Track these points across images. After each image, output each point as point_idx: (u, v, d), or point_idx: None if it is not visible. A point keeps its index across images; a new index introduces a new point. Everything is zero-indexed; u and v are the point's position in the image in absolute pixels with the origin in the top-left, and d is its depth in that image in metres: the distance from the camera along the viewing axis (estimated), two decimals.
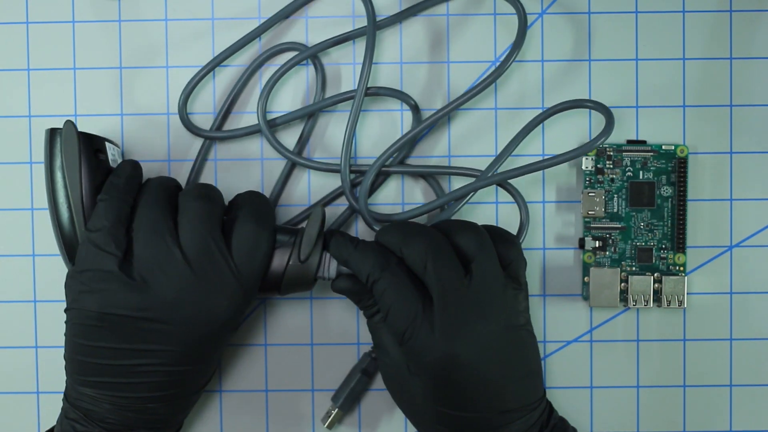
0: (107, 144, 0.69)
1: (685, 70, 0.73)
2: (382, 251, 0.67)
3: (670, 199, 0.72)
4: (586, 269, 0.73)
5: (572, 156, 0.68)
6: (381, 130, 0.73)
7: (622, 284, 0.72)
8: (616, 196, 0.72)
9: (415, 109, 0.72)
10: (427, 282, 0.65)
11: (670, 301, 0.72)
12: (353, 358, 0.74)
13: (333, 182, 0.73)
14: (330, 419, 0.72)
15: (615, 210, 0.72)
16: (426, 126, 0.71)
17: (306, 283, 0.68)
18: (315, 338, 0.74)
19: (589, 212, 0.72)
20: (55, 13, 0.73)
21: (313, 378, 0.74)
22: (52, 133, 0.67)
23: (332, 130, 0.73)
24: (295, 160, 0.72)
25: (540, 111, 0.72)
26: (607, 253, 0.72)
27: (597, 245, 0.72)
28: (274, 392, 0.74)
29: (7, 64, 0.73)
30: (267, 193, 0.73)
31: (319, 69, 0.73)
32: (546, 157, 0.70)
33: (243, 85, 0.73)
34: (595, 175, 0.72)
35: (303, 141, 0.73)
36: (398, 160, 0.72)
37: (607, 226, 0.72)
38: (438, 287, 0.65)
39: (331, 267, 0.69)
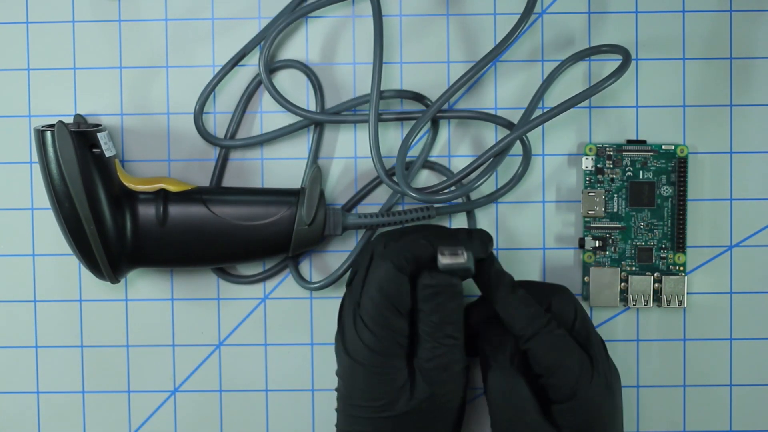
0: (99, 135, 0.69)
1: (685, 69, 0.73)
2: (533, 302, 0.67)
3: (670, 199, 0.72)
4: (586, 269, 0.73)
5: (587, 95, 0.69)
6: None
7: (622, 284, 0.72)
8: (616, 195, 0.72)
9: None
10: (580, 336, 0.67)
11: (670, 301, 0.72)
12: None
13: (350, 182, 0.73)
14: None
15: (615, 210, 0.72)
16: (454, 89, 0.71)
17: (314, 242, 0.70)
18: (314, 338, 0.74)
19: (589, 212, 0.72)
20: (55, 13, 0.73)
21: (313, 378, 0.74)
22: (41, 134, 0.68)
23: (343, 137, 0.74)
24: (317, 119, 0.72)
25: (541, 112, 0.72)
26: (607, 252, 0.72)
27: (597, 245, 0.72)
28: (274, 392, 0.74)
29: (7, 64, 0.73)
30: None
31: (316, 82, 0.73)
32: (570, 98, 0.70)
33: (253, 90, 0.73)
34: (595, 174, 0.72)
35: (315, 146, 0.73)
36: (422, 159, 0.73)
37: (607, 225, 0.72)
38: (596, 340, 0.67)
39: (336, 223, 0.70)
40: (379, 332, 0.65)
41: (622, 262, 0.72)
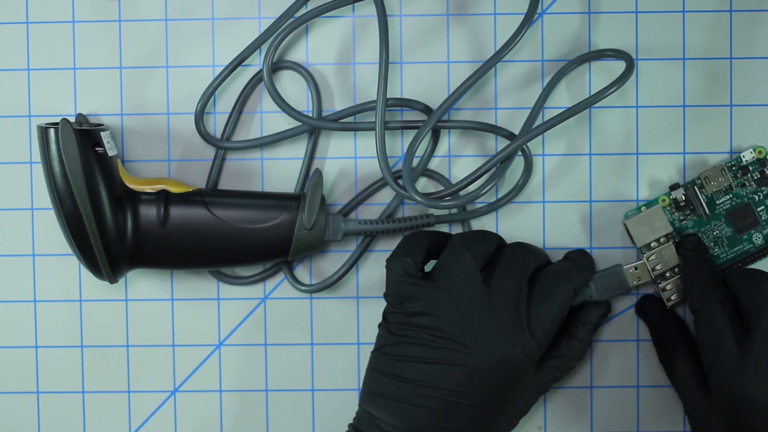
0: (102, 134, 0.69)
1: (685, 69, 0.73)
2: (715, 281, 0.69)
3: (752, 246, 0.72)
4: (651, 204, 0.72)
5: (589, 103, 0.69)
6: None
7: (658, 241, 0.71)
8: (731, 195, 0.71)
9: (427, 110, 0.73)
10: (754, 325, 0.67)
11: (670, 298, 0.71)
12: (353, 358, 0.74)
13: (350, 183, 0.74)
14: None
15: (717, 202, 0.71)
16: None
17: (314, 247, 0.71)
18: (315, 338, 0.74)
19: (705, 178, 0.71)
20: (55, 13, 0.73)
21: (313, 378, 0.74)
22: (45, 131, 0.68)
23: (336, 143, 0.74)
24: (319, 126, 0.72)
25: (542, 114, 0.72)
26: (677, 214, 0.72)
27: (681, 200, 0.71)
28: (274, 392, 0.74)
29: (7, 64, 0.73)
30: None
31: (314, 86, 0.73)
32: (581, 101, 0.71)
33: (249, 91, 0.73)
34: (739, 167, 0.71)
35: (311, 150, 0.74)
36: (423, 162, 0.73)
37: (700, 200, 0.71)
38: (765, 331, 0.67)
39: (336, 229, 0.70)
40: None
41: (675, 233, 0.72)
